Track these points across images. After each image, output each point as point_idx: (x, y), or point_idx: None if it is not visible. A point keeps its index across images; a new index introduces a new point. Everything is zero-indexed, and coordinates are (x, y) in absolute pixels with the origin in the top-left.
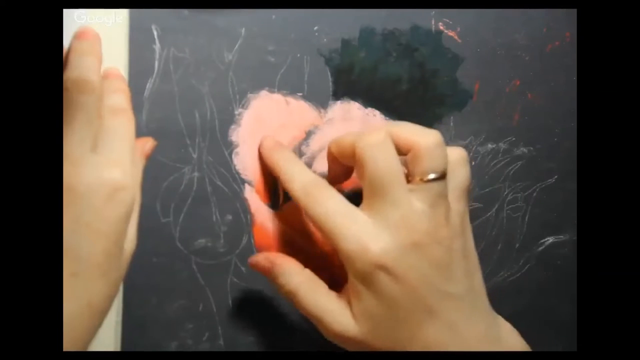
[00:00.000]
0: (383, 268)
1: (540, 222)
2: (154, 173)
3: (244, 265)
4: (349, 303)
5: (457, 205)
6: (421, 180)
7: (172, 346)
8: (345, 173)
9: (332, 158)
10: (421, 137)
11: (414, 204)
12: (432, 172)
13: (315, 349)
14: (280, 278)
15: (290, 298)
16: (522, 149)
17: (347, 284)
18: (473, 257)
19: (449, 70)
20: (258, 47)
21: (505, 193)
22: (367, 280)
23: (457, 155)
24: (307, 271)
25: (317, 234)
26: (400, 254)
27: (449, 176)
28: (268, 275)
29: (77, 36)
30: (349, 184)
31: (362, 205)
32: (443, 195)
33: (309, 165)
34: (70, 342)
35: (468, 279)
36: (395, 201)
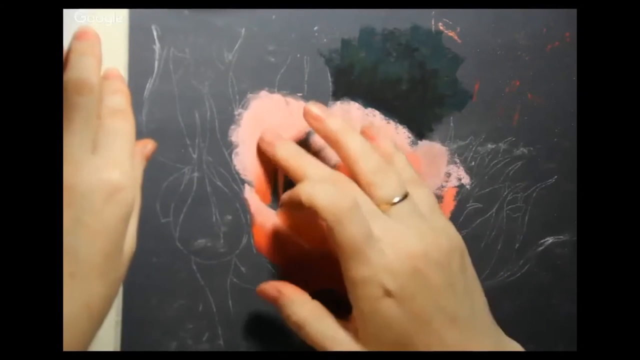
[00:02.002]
0: (390, 295)
1: (540, 222)
2: (154, 173)
3: (243, 265)
4: (357, 331)
5: (437, 222)
6: (388, 204)
7: (172, 346)
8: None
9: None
10: (362, 166)
11: (398, 231)
12: (394, 196)
13: (315, 349)
14: (287, 308)
15: (297, 328)
16: (522, 149)
17: (353, 311)
18: (471, 273)
19: (449, 70)
20: (258, 47)
21: (505, 193)
22: (373, 307)
23: (407, 178)
24: (315, 302)
25: (317, 234)
26: (403, 281)
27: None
28: (275, 304)
29: (77, 36)
30: None
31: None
32: (417, 213)
33: None
34: (69, 342)
35: (469, 297)
36: (379, 241)
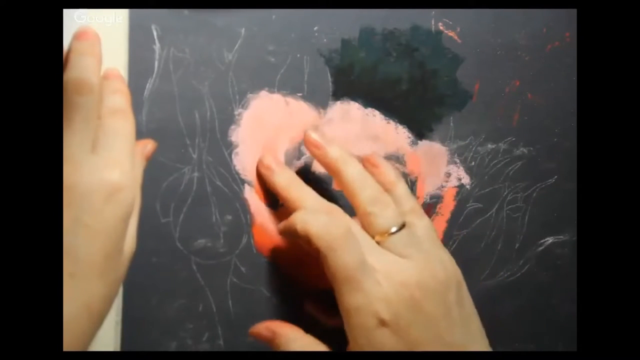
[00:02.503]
0: (385, 324)
1: (540, 222)
2: (154, 173)
3: (243, 265)
4: None
5: (435, 253)
6: (386, 234)
7: (172, 346)
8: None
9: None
10: (361, 196)
11: (391, 260)
12: (391, 227)
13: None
14: (283, 347)
15: None
16: (522, 149)
17: (348, 343)
18: (468, 303)
19: (449, 70)
20: (258, 47)
21: (505, 193)
22: (368, 337)
23: (408, 208)
24: (309, 337)
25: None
26: (398, 310)
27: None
28: (270, 344)
29: (77, 36)
30: None
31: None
32: (413, 244)
33: (309, 165)
34: (69, 342)
35: (466, 326)
36: (373, 270)
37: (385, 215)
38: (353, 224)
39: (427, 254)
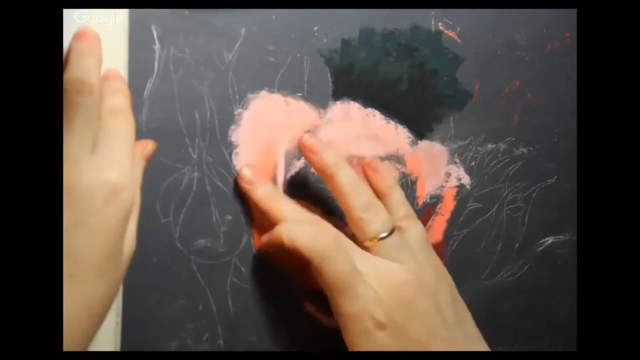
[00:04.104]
0: (382, 326)
1: (540, 222)
2: (154, 173)
3: (243, 265)
4: None
5: (426, 257)
6: (376, 240)
7: (172, 346)
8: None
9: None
10: (353, 202)
11: (380, 263)
12: (382, 232)
13: (315, 349)
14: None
15: None
16: (522, 149)
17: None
18: (461, 306)
19: (449, 70)
20: (258, 47)
21: (505, 193)
22: (368, 341)
23: (403, 214)
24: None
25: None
26: (392, 311)
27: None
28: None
29: (77, 37)
30: None
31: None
32: (404, 248)
33: (309, 165)
34: (69, 342)
35: (461, 325)
36: (364, 275)
37: (376, 221)
38: (338, 232)
39: (417, 258)
